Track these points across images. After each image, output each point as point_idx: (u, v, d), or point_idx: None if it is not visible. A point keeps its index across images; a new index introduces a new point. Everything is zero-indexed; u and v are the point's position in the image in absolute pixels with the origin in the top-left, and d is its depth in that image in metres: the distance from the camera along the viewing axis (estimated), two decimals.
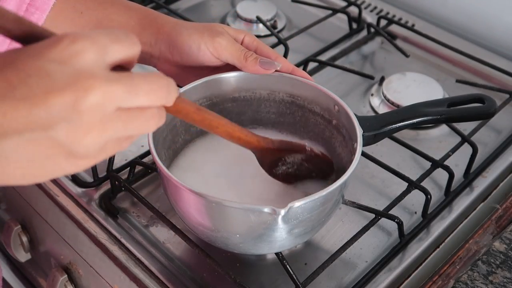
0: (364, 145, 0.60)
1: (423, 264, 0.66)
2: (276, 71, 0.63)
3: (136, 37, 0.40)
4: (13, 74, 0.34)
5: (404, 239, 0.67)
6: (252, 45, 0.64)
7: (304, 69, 0.90)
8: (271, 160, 0.62)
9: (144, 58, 0.64)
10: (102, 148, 0.38)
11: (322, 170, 0.64)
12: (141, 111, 0.39)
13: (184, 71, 0.65)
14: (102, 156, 0.39)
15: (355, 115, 0.61)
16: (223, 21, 1.03)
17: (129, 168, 0.73)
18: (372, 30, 0.99)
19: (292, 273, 0.59)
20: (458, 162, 0.76)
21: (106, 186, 0.72)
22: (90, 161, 0.38)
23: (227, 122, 0.54)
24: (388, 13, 1.05)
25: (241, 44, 0.63)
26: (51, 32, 0.38)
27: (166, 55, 0.63)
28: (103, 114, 0.36)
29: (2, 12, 0.37)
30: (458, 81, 0.89)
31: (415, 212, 0.71)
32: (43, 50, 0.36)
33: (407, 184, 0.70)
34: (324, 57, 0.94)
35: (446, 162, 0.73)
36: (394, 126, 0.62)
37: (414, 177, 0.71)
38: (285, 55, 0.88)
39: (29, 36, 0.38)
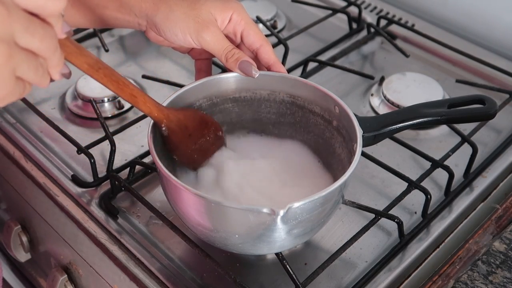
0: (364, 145, 0.60)
1: (423, 264, 0.66)
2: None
3: None
4: None
5: (404, 239, 0.67)
6: (239, 25, 0.64)
7: (304, 69, 0.90)
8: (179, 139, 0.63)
9: (133, 26, 0.65)
10: (14, 79, 0.42)
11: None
12: (36, 55, 0.43)
13: (172, 44, 0.66)
14: (17, 90, 0.42)
15: (355, 115, 0.61)
16: None
17: (129, 168, 0.73)
18: (372, 30, 0.99)
19: (292, 273, 0.59)
20: (458, 162, 0.76)
21: (106, 186, 0.72)
22: (5, 91, 0.42)
23: (134, 88, 0.57)
24: (388, 13, 1.05)
25: (229, 21, 0.63)
26: None
27: (153, 29, 0.64)
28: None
29: None
30: (458, 81, 0.89)
31: (415, 212, 0.71)
32: None
33: (407, 184, 0.70)
34: (324, 57, 0.94)
35: (446, 162, 0.73)
36: (394, 127, 0.62)
37: (414, 177, 0.71)
38: (285, 55, 0.88)
39: None
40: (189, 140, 0.63)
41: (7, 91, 0.42)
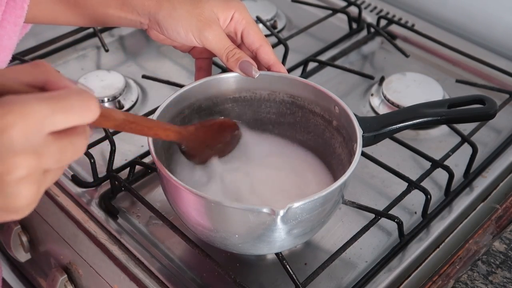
0: (364, 146, 0.60)
1: (423, 264, 0.66)
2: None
3: (96, 103, 0.37)
4: None
5: (404, 239, 0.67)
6: (240, 24, 0.64)
7: (304, 69, 0.90)
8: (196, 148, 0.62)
9: (135, 24, 0.65)
10: (37, 194, 0.40)
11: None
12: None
13: (174, 42, 0.66)
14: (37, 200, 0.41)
15: (355, 115, 0.61)
16: None
17: (129, 168, 0.73)
18: (372, 30, 0.99)
19: (292, 273, 0.59)
20: (458, 162, 0.76)
21: (106, 186, 0.72)
22: (28, 208, 0.41)
23: (156, 124, 0.55)
24: (388, 13, 1.05)
25: (231, 20, 0.63)
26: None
27: (155, 27, 0.64)
28: (34, 172, 0.37)
29: None
30: (458, 81, 0.89)
31: (415, 212, 0.71)
32: None
33: (407, 184, 0.70)
34: (324, 57, 0.94)
35: (446, 162, 0.73)
36: (394, 127, 0.62)
37: (414, 177, 0.71)
38: (285, 55, 0.88)
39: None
40: (206, 149, 0.64)
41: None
